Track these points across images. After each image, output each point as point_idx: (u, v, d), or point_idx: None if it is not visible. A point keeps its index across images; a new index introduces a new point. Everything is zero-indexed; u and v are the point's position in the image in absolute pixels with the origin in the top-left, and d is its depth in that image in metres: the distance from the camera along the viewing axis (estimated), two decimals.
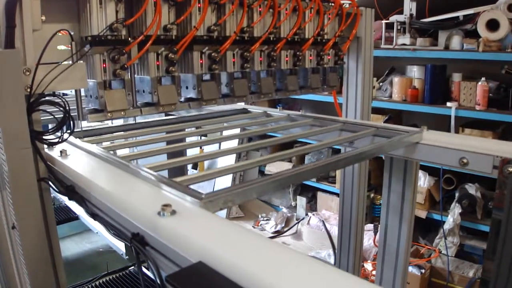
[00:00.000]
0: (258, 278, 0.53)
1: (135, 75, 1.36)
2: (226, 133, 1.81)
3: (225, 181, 4.48)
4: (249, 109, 2.13)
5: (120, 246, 3.15)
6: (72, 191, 0.99)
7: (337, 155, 1.31)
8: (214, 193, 0.83)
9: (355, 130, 1.61)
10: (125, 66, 1.25)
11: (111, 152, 1.20)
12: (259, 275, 0.53)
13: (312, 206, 4.33)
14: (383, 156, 1.65)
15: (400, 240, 1.63)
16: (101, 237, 3.44)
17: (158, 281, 0.57)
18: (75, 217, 3.61)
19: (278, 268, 0.56)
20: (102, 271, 2.89)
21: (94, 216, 0.88)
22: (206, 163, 4.73)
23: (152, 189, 0.86)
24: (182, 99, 1.51)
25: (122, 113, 1.28)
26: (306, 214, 4.17)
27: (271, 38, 1.61)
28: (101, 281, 2.76)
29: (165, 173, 2.16)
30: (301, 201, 4.32)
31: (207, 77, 1.52)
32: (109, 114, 1.25)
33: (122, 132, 1.68)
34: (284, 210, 4.35)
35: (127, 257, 3.06)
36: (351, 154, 1.32)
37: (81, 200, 0.95)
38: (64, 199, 3.70)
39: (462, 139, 1.42)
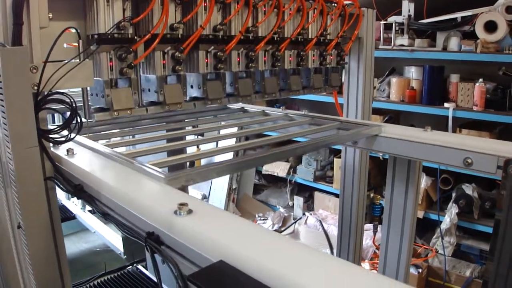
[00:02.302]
0: (281, 275, 0.53)
1: (141, 74, 1.36)
2: (224, 131, 1.82)
3: (223, 180, 4.48)
4: (246, 108, 2.14)
5: (118, 245, 3.14)
6: (80, 190, 0.98)
7: (295, 143, 1.46)
8: (177, 172, 1.00)
9: (352, 129, 1.63)
10: (132, 64, 1.24)
11: (116, 150, 1.21)
12: (282, 273, 0.53)
13: (309, 205, 4.34)
14: (388, 156, 1.65)
15: (403, 239, 1.64)
16: (98, 236, 3.42)
17: (180, 281, 0.57)
18: (72, 217, 3.59)
19: (299, 265, 0.56)
20: (99, 271, 2.88)
21: (105, 215, 0.87)
22: (202, 162, 4.73)
23: (163, 188, 0.86)
24: (187, 98, 1.50)
25: (128, 111, 1.27)
26: (303, 214, 4.18)
27: (275, 38, 1.61)
28: (99, 280, 2.74)
29: (165, 170, 2.17)
30: (298, 200, 4.32)
31: (211, 76, 1.52)
32: (115, 112, 1.25)
33: (126, 129, 1.69)
34: (281, 209, 4.35)
35: (125, 256, 3.06)
36: (309, 143, 1.49)
37: (91, 199, 0.95)
38: (61, 199, 3.67)
39: (465, 139, 1.43)
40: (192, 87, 1.49)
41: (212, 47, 1.43)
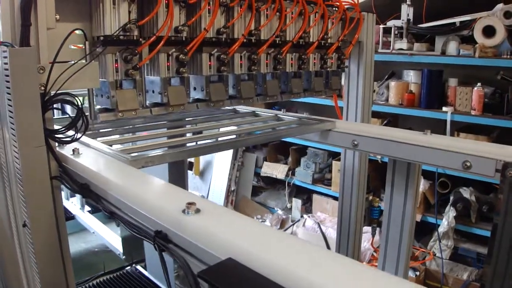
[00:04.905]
0: (289, 272, 0.55)
1: (146, 75, 1.37)
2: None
3: (221, 182, 4.49)
4: (237, 109, 2.17)
5: (117, 246, 3.15)
6: (87, 189, 1.00)
7: (249, 135, 1.66)
8: (138, 155, 1.21)
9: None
10: (137, 66, 1.26)
11: (118, 148, 1.23)
12: (290, 270, 0.55)
13: (307, 208, 4.35)
14: (387, 159, 1.68)
15: (402, 242, 1.66)
16: (97, 236, 3.43)
17: (191, 278, 0.58)
18: (71, 217, 3.59)
19: (307, 262, 0.58)
20: (98, 271, 2.88)
21: (111, 214, 0.89)
22: (201, 164, 4.74)
23: (171, 188, 0.87)
24: (190, 100, 1.52)
25: (133, 113, 1.29)
26: (302, 216, 4.19)
27: (277, 41, 1.63)
28: (98, 280, 2.75)
29: (165, 167, 2.18)
30: (296, 203, 4.34)
31: (214, 78, 1.54)
32: (120, 113, 1.26)
33: (126, 127, 1.72)
34: (279, 212, 4.36)
35: (124, 257, 3.06)
36: (262, 134, 1.67)
37: (97, 199, 0.96)
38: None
39: (464, 143, 1.45)
40: (195, 89, 1.51)
41: (216, 49, 1.45)
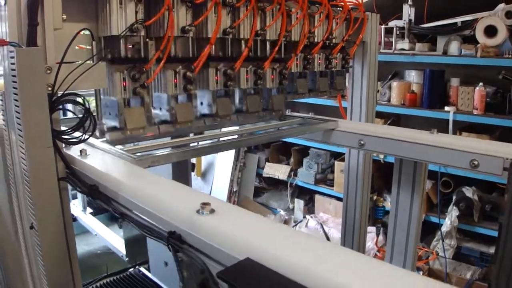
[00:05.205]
0: (308, 271, 0.54)
1: (152, 92, 1.38)
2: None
3: (223, 183, 4.48)
4: None
5: (120, 247, 3.13)
6: (96, 191, 0.99)
7: (253, 135, 1.67)
8: (144, 154, 1.23)
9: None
10: (145, 84, 1.26)
11: (119, 148, 1.23)
12: (312, 269, 0.54)
13: (309, 208, 4.34)
14: (391, 158, 1.67)
15: (408, 241, 1.65)
16: (99, 238, 3.42)
17: (209, 278, 0.58)
18: (73, 219, 3.57)
19: (325, 261, 0.57)
20: (100, 273, 2.86)
21: (122, 215, 0.88)
22: (203, 165, 4.73)
23: (183, 188, 0.87)
24: (197, 114, 1.52)
25: (140, 130, 1.29)
26: (304, 217, 4.19)
27: (282, 56, 1.63)
28: (101, 283, 2.73)
29: (169, 167, 2.18)
30: (299, 203, 4.33)
31: (220, 93, 1.54)
32: (128, 132, 1.27)
33: None
34: (282, 212, 4.36)
35: (127, 259, 3.05)
36: (267, 134, 1.68)
37: (107, 200, 0.95)
38: None
39: (471, 142, 1.45)
40: (202, 104, 1.52)
41: (222, 64, 1.45)
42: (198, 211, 0.71)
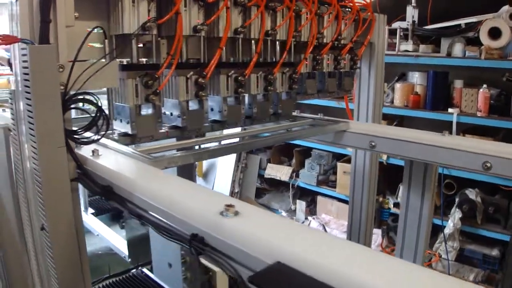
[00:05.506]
0: (342, 275, 0.53)
1: (164, 98, 1.37)
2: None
3: (225, 184, 4.47)
4: None
5: (122, 248, 3.11)
6: (110, 192, 0.97)
7: (265, 136, 1.62)
8: (161, 155, 1.21)
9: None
10: (157, 91, 1.25)
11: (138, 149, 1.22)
12: (346, 272, 0.53)
13: (311, 210, 4.33)
14: (396, 160, 1.66)
15: (418, 244, 1.64)
16: (101, 239, 3.39)
17: (239, 282, 0.56)
18: None
19: (359, 264, 0.56)
20: (102, 274, 2.84)
21: (139, 217, 0.86)
22: (204, 166, 4.72)
23: (202, 190, 0.85)
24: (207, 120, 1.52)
25: (150, 137, 1.29)
26: (306, 218, 4.18)
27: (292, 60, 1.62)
28: (103, 283, 2.71)
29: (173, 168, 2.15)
30: (301, 205, 4.32)
31: (230, 99, 1.53)
32: (138, 139, 1.27)
33: None
34: (284, 213, 4.34)
35: (129, 259, 3.02)
36: (278, 135, 1.66)
37: (121, 201, 0.93)
38: None
39: (484, 144, 1.44)
40: (212, 109, 1.51)
41: (232, 71, 1.45)
42: (221, 213, 0.69)
